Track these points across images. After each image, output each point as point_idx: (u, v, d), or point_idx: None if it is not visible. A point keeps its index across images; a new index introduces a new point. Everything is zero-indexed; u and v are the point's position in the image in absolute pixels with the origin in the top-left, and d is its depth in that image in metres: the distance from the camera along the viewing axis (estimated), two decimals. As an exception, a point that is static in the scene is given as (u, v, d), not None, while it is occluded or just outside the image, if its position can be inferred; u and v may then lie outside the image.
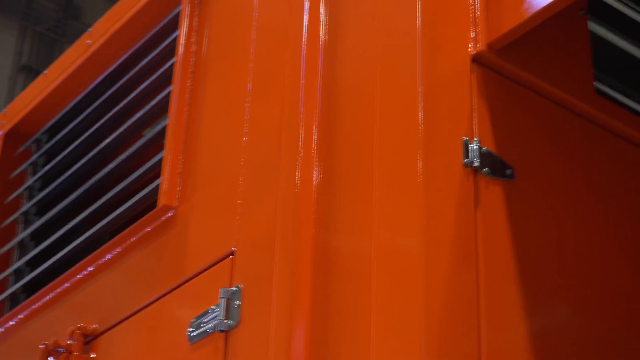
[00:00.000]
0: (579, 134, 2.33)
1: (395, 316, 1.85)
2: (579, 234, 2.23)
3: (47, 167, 3.11)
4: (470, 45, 2.15)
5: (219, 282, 2.11)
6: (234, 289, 2.07)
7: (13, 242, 3.10)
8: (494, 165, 2.08)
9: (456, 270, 1.93)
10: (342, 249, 1.95)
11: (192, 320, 2.14)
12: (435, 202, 1.95)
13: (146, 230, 2.45)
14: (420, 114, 2.00)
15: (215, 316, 2.06)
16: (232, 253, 2.13)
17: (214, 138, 2.39)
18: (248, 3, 2.44)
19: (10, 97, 9.88)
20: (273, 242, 2.02)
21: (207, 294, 2.12)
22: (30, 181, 3.16)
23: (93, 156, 2.87)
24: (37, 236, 3.04)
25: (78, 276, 2.65)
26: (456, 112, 2.08)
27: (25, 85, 8.16)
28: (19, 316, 2.89)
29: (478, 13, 2.17)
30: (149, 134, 2.64)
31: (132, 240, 2.49)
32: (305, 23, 2.18)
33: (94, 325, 2.51)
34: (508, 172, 2.10)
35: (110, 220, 2.63)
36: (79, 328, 2.51)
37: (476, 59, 2.15)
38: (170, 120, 2.49)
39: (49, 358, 2.55)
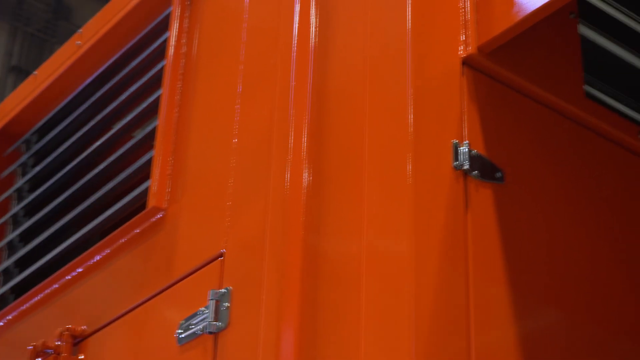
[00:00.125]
0: (568, 137, 2.33)
1: (384, 319, 1.85)
2: (569, 236, 2.23)
3: (37, 168, 3.10)
4: (461, 48, 2.15)
5: (208, 283, 2.11)
6: (223, 290, 2.06)
7: (2, 243, 3.09)
8: (484, 168, 2.07)
9: (446, 273, 1.93)
10: (332, 251, 1.95)
11: (181, 321, 2.14)
12: (425, 204, 1.95)
13: (135, 231, 2.44)
14: (410, 117, 2.00)
15: (205, 318, 2.06)
16: (221, 255, 2.13)
17: (203, 140, 2.38)
18: (238, 5, 2.44)
19: (-1, 97, 9.86)
20: (263, 244, 2.02)
21: (196, 296, 2.12)
22: (20, 182, 3.15)
23: (83, 157, 2.87)
24: (26, 237, 3.04)
25: (67, 277, 2.65)
26: (446, 114, 2.07)
27: (15, 86, 8.14)
28: (7, 317, 2.89)
29: (468, 16, 2.17)
30: (139, 135, 2.64)
31: (121, 241, 2.49)
32: (295, 25, 2.18)
33: (83, 327, 2.51)
34: (498, 175, 2.10)
35: (99, 222, 2.62)
36: (67, 329, 2.50)
37: (466, 62, 2.14)
38: (160, 122, 2.48)
39: (37, 359, 2.54)
